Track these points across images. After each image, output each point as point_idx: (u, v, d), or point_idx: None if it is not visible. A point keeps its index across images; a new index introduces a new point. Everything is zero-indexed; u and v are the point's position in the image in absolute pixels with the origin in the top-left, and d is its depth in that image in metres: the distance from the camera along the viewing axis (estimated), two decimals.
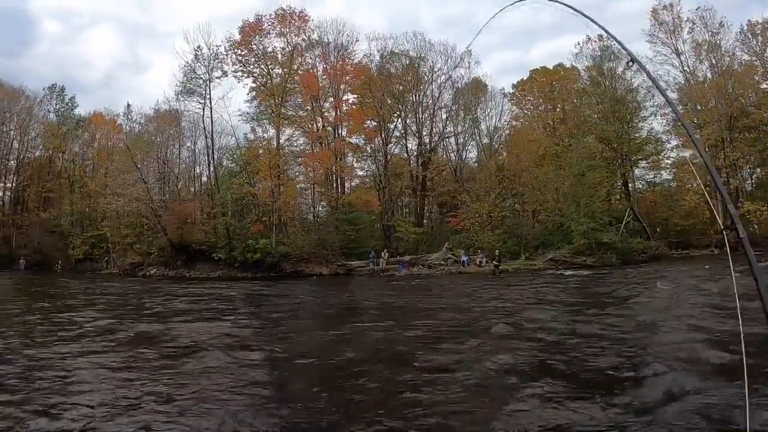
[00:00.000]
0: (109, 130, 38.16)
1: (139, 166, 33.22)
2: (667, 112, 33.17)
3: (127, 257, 33.81)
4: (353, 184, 38.23)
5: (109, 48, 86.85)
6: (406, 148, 36.56)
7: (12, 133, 42.65)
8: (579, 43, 36.54)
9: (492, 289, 17.08)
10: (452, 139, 37.04)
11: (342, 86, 34.26)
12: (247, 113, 35.91)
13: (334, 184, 34.15)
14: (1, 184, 43.11)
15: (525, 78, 39.60)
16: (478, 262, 27.80)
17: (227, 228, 30.50)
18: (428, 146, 35.60)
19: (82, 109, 46.15)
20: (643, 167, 35.87)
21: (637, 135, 34.58)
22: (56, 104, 44.27)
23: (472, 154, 39.10)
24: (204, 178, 37.68)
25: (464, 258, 28.18)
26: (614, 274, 20.95)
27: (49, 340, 8.67)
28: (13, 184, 42.97)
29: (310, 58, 35.25)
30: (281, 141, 33.83)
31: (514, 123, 38.95)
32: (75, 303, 15.44)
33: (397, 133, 36.40)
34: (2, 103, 41.72)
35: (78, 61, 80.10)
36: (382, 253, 29.28)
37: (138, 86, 78.85)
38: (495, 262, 25.26)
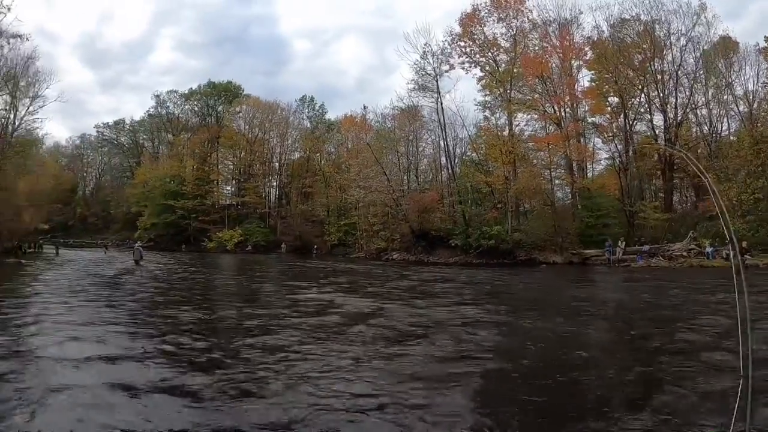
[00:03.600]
0: (357, 130, 44.20)
1: (380, 161, 37.81)
2: None
3: (373, 243, 38.92)
4: (599, 167, 36.99)
5: (357, 55, 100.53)
6: (651, 124, 33.56)
7: (273, 140, 53.14)
8: None
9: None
10: (703, 110, 32.89)
11: (574, 63, 33.32)
12: (481, 102, 37.71)
13: (573, 168, 33.28)
14: (269, 183, 54.12)
15: None
16: (724, 255, 25.10)
17: (463, 215, 32.80)
18: (674, 120, 32.17)
19: (338, 113, 54.26)
20: None
21: None
22: (308, 112, 53.90)
23: (727, 125, 33.75)
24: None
25: (708, 249, 25.87)
26: None
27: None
28: (278, 182, 53.59)
29: (535, 38, 34.64)
30: (514, 127, 34.49)
31: None
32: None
33: (641, 109, 33.49)
34: (263, 116, 52.20)
35: (331, 70, 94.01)
36: (619, 242, 28.34)
37: (389, 87, 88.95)
38: (746, 255, 22.42)
